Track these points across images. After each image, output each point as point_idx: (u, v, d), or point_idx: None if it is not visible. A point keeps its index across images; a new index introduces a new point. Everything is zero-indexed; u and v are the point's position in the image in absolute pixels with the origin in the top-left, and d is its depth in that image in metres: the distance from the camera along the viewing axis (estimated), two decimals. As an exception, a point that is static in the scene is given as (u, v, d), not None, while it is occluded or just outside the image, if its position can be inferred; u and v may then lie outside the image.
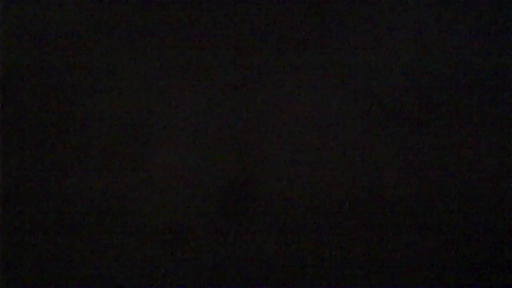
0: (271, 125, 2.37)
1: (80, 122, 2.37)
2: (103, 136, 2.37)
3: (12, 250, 2.37)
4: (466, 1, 2.38)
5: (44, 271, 2.37)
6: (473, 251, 2.37)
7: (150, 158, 2.37)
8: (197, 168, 2.37)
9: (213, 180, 2.37)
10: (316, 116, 2.37)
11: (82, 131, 2.37)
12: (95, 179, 2.37)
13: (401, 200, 2.36)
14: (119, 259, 2.36)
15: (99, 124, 2.37)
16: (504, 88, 2.37)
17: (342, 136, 2.37)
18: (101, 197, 2.37)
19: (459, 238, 2.37)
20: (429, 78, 2.37)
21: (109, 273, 2.37)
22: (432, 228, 2.37)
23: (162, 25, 2.38)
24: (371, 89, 2.37)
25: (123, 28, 2.38)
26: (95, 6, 2.38)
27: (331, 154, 2.37)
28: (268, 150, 2.37)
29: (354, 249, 2.36)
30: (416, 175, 2.37)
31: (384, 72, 2.37)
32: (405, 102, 2.37)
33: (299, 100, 2.37)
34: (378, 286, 2.37)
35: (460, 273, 2.38)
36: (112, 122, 2.37)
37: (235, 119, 2.37)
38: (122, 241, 2.36)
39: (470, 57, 2.37)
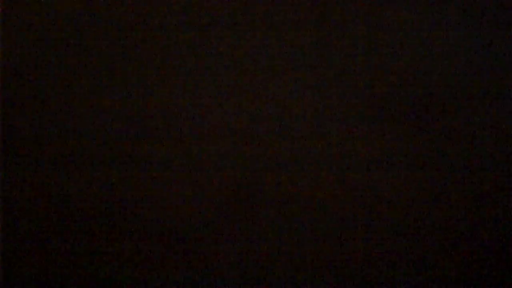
0: (273, 125, 2.37)
1: (81, 122, 2.37)
2: (104, 137, 2.37)
3: (12, 250, 2.37)
4: (466, 1, 2.38)
5: (45, 271, 2.37)
6: (473, 251, 2.38)
7: (152, 158, 2.37)
8: (199, 169, 2.37)
9: (215, 181, 2.37)
10: (317, 116, 2.37)
11: (82, 131, 2.37)
12: (96, 179, 2.37)
13: (401, 200, 2.37)
14: (120, 259, 2.37)
15: (99, 125, 2.37)
16: (504, 88, 2.37)
17: (343, 136, 2.37)
18: (101, 197, 2.37)
19: (459, 239, 2.37)
20: (429, 78, 2.37)
21: (110, 274, 2.37)
22: (431, 229, 2.37)
23: (163, 25, 2.38)
24: (371, 89, 2.37)
25: (124, 27, 2.38)
26: (95, 6, 2.38)
27: (332, 154, 2.37)
28: (270, 151, 2.37)
29: (354, 249, 2.36)
30: (416, 175, 2.37)
31: (384, 72, 2.37)
32: (405, 102, 2.37)
33: (299, 101, 2.37)
34: (378, 287, 2.37)
35: (459, 274, 2.38)
36: (113, 122, 2.37)
37: (236, 120, 2.37)
38: (123, 241, 2.37)
39: (470, 57, 2.37)
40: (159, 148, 2.37)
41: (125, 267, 2.37)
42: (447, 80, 2.37)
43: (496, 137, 2.37)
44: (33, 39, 2.38)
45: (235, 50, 2.38)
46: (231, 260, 2.37)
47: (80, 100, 2.38)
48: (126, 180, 2.36)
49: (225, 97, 2.37)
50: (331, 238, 2.37)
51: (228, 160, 2.37)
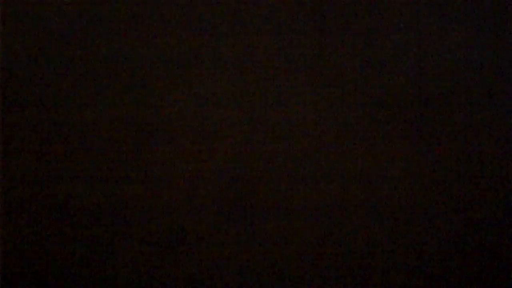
0: (272, 125, 2.37)
1: (81, 123, 2.37)
2: (104, 137, 2.37)
3: (12, 250, 2.37)
4: (466, 1, 2.38)
5: (44, 271, 2.37)
6: (473, 251, 2.38)
7: (151, 159, 2.37)
8: (198, 169, 2.37)
9: (213, 181, 2.37)
10: (316, 116, 2.37)
11: (82, 132, 2.37)
12: (96, 180, 2.37)
13: (401, 201, 2.37)
14: (120, 259, 2.37)
15: (99, 125, 2.37)
16: (504, 88, 2.37)
17: (342, 136, 2.37)
18: (101, 198, 2.37)
19: (459, 239, 2.37)
20: (429, 78, 2.37)
21: (110, 274, 2.37)
22: (431, 229, 2.37)
23: (163, 26, 2.38)
24: (371, 89, 2.37)
25: (124, 27, 2.38)
26: (95, 6, 2.38)
27: (331, 154, 2.37)
28: (269, 151, 2.37)
29: (353, 250, 2.36)
30: (416, 176, 2.37)
31: (384, 72, 2.37)
32: (405, 102, 2.37)
33: (299, 100, 2.37)
34: (378, 287, 2.37)
35: (460, 274, 2.38)
36: (113, 123, 2.37)
37: (235, 119, 2.37)
38: (122, 241, 2.36)
39: (470, 57, 2.37)
40: (159, 150, 2.37)
41: (125, 267, 2.37)
42: (447, 80, 2.37)
43: (496, 137, 2.37)
44: (33, 39, 2.38)
45: (234, 52, 2.38)
46: (230, 261, 2.37)
47: (81, 100, 2.38)
48: (126, 180, 2.36)
49: (224, 99, 2.37)
50: (330, 239, 2.37)
51: (227, 162, 2.37)
